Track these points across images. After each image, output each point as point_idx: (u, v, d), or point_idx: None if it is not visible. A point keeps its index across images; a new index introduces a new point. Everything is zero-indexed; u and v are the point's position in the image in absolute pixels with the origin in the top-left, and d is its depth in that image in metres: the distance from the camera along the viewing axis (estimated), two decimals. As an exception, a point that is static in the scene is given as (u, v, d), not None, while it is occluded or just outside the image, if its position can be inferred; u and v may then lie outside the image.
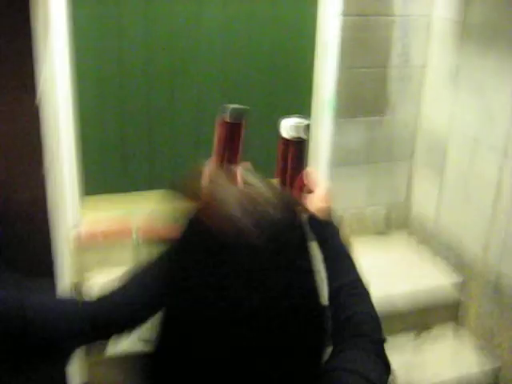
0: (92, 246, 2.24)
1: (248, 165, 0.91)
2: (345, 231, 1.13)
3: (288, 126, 1.18)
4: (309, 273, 0.72)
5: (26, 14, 0.99)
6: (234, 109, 1.14)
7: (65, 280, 1.96)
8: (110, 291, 0.95)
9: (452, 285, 2.34)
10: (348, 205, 2.51)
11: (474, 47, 2.15)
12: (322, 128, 2.45)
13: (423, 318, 2.33)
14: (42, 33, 1.31)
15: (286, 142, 1.18)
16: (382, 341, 0.91)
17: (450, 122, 2.32)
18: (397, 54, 2.37)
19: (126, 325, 0.95)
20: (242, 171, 0.74)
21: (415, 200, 2.62)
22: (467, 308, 2.32)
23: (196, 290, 0.65)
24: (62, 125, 2.08)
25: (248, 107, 1.15)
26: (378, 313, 0.96)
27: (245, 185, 0.71)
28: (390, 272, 2.35)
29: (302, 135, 1.17)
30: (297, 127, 1.17)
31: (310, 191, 1.20)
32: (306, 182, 1.21)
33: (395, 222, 2.66)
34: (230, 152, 1.16)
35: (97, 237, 2.25)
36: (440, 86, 2.37)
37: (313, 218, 1.13)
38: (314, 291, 0.71)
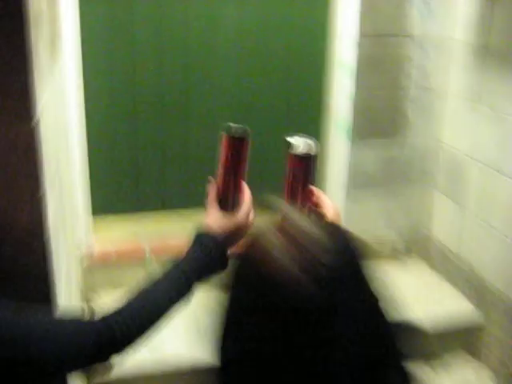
0: (103, 266, 2.21)
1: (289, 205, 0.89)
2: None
3: (297, 143, 1.17)
4: (368, 303, 0.70)
5: (21, 32, 0.97)
6: (237, 127, 1.13)
7: (73, 301, 1.94)
8: (116, 308, 0.94)
9: (469, 313, 2.26)
10: (364, 229, 2.43)
11: (496, 71, 2.09)
12: (337, 150, 2.40)
13: (438, 344, 2.24)
14: (48, 48, 1.31)
15: (296, 158, 1.17)
16: None
17: (471, 147, 2.25)
18: (415, 76, 2.32)
19: (130, 343, 0.94)
20: (289, 212, 0.74)
21: (434, 225, 2.54)
22: (483, 337, 2.23)
23: (251, 338, 0.67)
24: (73, 144, 2.07)
25: (249, 128, 1.13)
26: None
27: (294, 228, 0.70)
28: (404, 299, 2.27)
29: (312, 151, 1.16)
30: (307, 144, 1.17)
31: (319, 210, 1.19)
32: (315, 200, 1.19)
33: (413, 247, 2.58)
34: (235, 169, 1.15)
35: (108, 257, 2.23)
36: (460, 110, 2.31)
37: None
38: (376, 320, 0.70)
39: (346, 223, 1.22)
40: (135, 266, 2.19)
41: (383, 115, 2.34)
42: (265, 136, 2.34)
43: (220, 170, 1.15)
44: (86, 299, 2.18)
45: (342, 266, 0.68)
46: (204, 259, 1.06)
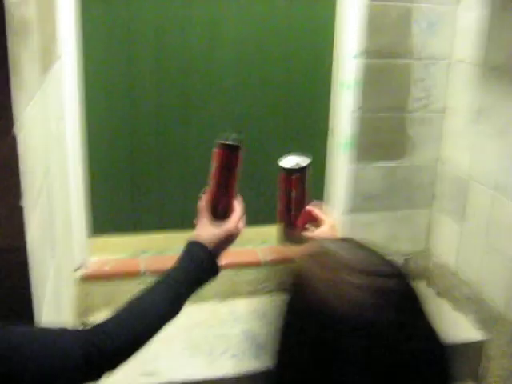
0: (100, 285, 2.18)
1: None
2: None
3: (288, 160, 1.21)
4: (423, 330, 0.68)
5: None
6: (231, 136, 1.14)
7: (64, 318, 1.90)
8: (104, 320, 0.93)
9: (472, 340, 2.19)
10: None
11: (497, 90, 2.07)
12: (338, 173, 2.37)
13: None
14: (39, 57, 1.30)
15: (288, 173, 1.19)
16: None
17: (472, 167, 2.22)
18: (415, 97, 2.31)
19: (119, 354, 0.92)
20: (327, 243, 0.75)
21: (435, 249, 2.50)
22: (483, 356, 2.16)
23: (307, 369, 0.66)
24: (70, 160, 2.06)
25: (242, 138, 1.14)
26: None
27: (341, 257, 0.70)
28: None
29: (304, 163, 1.19)
30: (298, 158, 1.21)
31: (317, 224, 1.20)
32: (314, 214, 1.21)
33: (414, 271, 2.53)
34: (228, 179, 1.15)
35: (105, 276, 2.20)
36: (461, 130, 2.28)
37: None
38: (435, 343, 0.68)
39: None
40: (132, 286, 2.15)
41: (385, 137, 2.32)
42: (265, 148, 2.33)
43: (212, 180, 1.16)
44: (82, 318, 2.15)
45: (405, 290, 0.68)
46: (194, 269, 1.05)
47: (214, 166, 1.15)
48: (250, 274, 2.35)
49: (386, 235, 2.45)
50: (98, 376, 0.90)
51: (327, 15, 2.30)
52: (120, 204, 2.31)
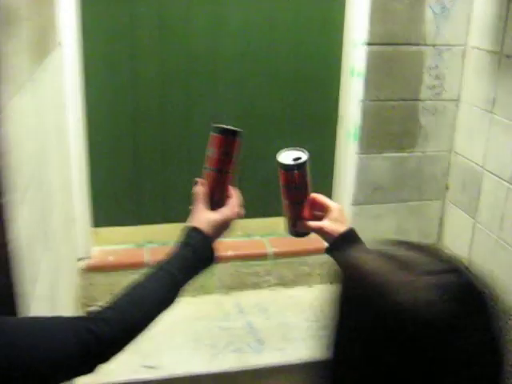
0: (103, 277, 2.17)
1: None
2: None
3: (285, 155, 1.19)
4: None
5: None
6: (228, 126, 1.12)
7: (62, 312, 1.89)
8: (101, 308, 0.91)
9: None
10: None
11: (512, 79, 1.99)
12: (346, 163, 2.32)
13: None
14: (30, 47, 1.26)
15: (288, 169, 1.18)
16: None
17: (485, 159, 2.14)
18: (428, 85, 2.23)
19: (116, 342, 0.90)
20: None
21: (447, 242, 2.44)
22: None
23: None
24: (72, 152, 2.03)
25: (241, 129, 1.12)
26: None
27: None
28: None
29: (303, 158, 1.17)
30: (294, 152, 1.19)
31: (324, 211, 1.20)
32: (318, 201, 1.20)
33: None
34: (225, 166, 1.13)
35: (109, 268, 2.18)
36: (475, 120, 2.20)
37: (343, 239, 1.16)
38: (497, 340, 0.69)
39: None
40: (136, 277, 2.12)
41: (395, 127, 2.25)
42: (272, 138, 2.28)
43: (209, 165, 1.13)
44: (85, 308, 2.14)
45: (465, 283, 0.68)
46: (191, 256, 1.04)
47: (211, 150, 1.12)
48: (256, 266, 2.31)
49: (396, 227, 2.39)
50: (95, 365, 0.88)
51: (336, 1, 2.23)
52: (124, 195, 2.28)
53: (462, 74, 2.24)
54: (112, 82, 2.15)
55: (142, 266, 2.15)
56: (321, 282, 2.38)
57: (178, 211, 2.26)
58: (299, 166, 1.20)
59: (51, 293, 1.47)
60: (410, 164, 2.32)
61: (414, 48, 2.17)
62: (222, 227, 1.11)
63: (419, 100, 2.24)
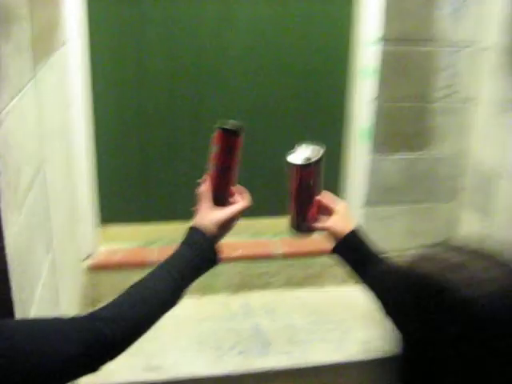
0: (110, 275, 2.15)
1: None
2: None
3: (298, 152, 1.18)
4: None
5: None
6: (231, 122, 1.12)
7: (76, 311, 1.88)
8: (103, 307, 0.91)
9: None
10: (384, 248, 2.31)
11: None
12: (356, 164, 2.28)
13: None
14: (30, 46, 1.24)
15: (300, 168, 1.16)
16: None
17: (498, 160, 2.09)
18: (442, 85, 2.18)
19: (119, 342, 0.88)
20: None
21: (460, 243, 2.39)
22: None
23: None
24: (78, 151, 2.01)
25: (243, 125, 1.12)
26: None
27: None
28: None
29: (316, 157, 1.16)
30: (308, 149, 1.18)
31: (328, 214, 1.19)
32: (323, 204, 1.19)
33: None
34: (229, 164, 1.13)
35: (116, 266, 2.16)
36: (487, 121, 2.15)
37: (352, 237, 1.17)
38: None
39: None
40: (142, 276, 2.12)
41: (407, 127, 2.20)
42: (279, 137, 2.25)
43: (213, 165, 1.13)
44: (90, 308, 2.13)
45: None
46: (195, 257, 1.03)
47: (214, 150, 1.12)
48: (264, 266, 2.28)
49: (406, 230, 2.35)
50: (99, 365, 0.86)
51: (346, -1, 2.18)
52: (131, 193, 2.26)
53: (473, 75, 2.18)
54: (119, 79, 2.13)
55: (148, 264, 2.09)
56: (331, 284, 2.35)
57: (186, 209, 2.23)
58: (312, 164, 1.18)
59: (53, 295, 1.46)
60: (422, 165, 2.27)
61: (425, 48, 2.11)
62: (226, 226, 1.10)
63: (433, 100, 2.19)
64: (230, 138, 1.11)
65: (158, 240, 2.28)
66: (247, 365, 1.88)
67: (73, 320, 0.87)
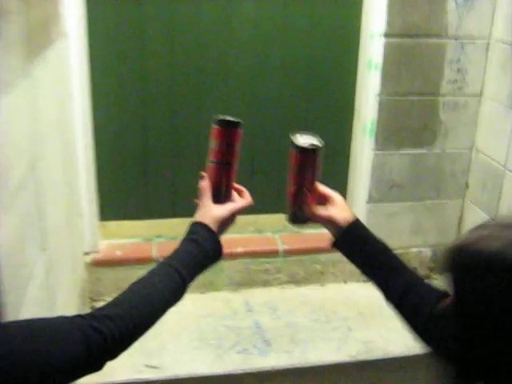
0: (111, 271, 2.13)
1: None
2: None
3: (301, 138, 1.17)
4: None
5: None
6: (229, 117, 1.12)
7: (77, 307, 1.87)
8: (106, 306, 0.89)
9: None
10: (390, 241, 2.28)
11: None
12: (362, 159, 2.24)
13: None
14: (23, 41, 1.21)
15: (305, 152, 1.15)
16: None
17: (509, 156, 2.04)
18: (449, 80, 2.13)
19: (122, 340, 0.87)
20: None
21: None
22: None
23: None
24: (80, 148, 1.99)
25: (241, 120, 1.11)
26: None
27: None
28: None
29: (319, 143, 1.16)
30: (310, 139, 1.17)
31: (326, 202, 1.17)
32: (321, 192, 1.18)
33: (442, 260, 2.39)
34: (229, 159, 1.12)
35: (115, 262, 2.15)
36: (498, 116, 2.10)
37: (354, 226, 1.14)
38: None
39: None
40: (144, 271, 2.09)
41: (413, 123, 2.16)
42: (285, 132, 2.18)
43: (214, 159, 1.12)
44: (92, 303, 2.12)
45: None
46: (199, 252, 1.03)
47: (214, 143, 1.12)
48: (266, 263, 2.26)
49: (413, 226, 2.31)
50: (100, 365, 0.85)
51: (353, -10, 2.13)
52: (132, 188, 2.24)
53: (485, 68, 2.14)
54: (119, 75, 2.10)
55: (149, 260, 2.11)
56: (334, 281, 2.32)
57: (187, 205, 2.21)
58: (317, 150, 1.17)
59: (48, 294, 1.44)
60: (428, 161, 2.23)
61: (435, 40, 2.07)
62: (226, 224, 1.10)
63: (439, 95, 2.14)
64: (228, 132, 1.11)
65: (158, 236, 2.26)
66: (247, 364, 1.86)
67: (74, 320, 0.85)
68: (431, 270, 2.38)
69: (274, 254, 2.25)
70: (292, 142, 1.16)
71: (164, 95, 2.15)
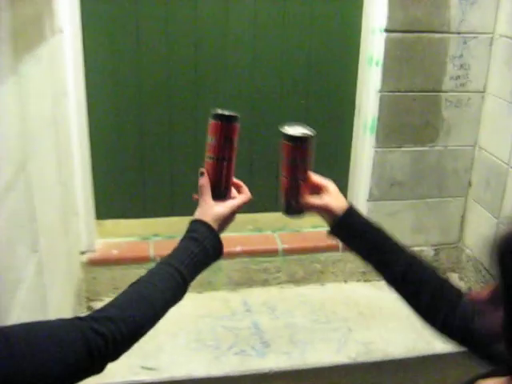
0: (108, 270, 2.11)
1: None
2: None
3: (291, 129, 1.15)
4: None
5: None
6: (227, 111, 1.09)
7: (73, 307, 1.84)
8: (106, 305, 0.87)
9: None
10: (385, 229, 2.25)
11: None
12: (363, 156, 2.20)
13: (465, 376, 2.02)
14: (10, 38, 1.17)
15: (298, 141, 1.14)
16: None
17: (510, 153, 2.01)
18: (452, 76, 2.09)
19: (124, 341, 0.85)
20: None
21: (468, 241, 2.31)
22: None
23: None
24: (75, 146, 1.96)
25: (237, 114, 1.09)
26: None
27: None
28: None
29: (309, 132, 1.14)
30: (302, 127, 1.15)
31: (319, 192, 1.16)
32: (314, 181, 1.16)
33: (445, 264, 2.35)
34: (227, 155, 1.10)
35: (112, 261, 2.12)
36: (501, 113, 2.06)
37: (350, 212, 1.12)
38: None
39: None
40: (141, 270, 2.06)
41: (415, 120, 2.12)
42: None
43: (212, 154, 1.10)
44: (89, 303, 2.09)
45: None
46: (198, 251, 1.01)
47: (211, 138, 1.09)
48: (265, 262, 2.22)
49: (414, 224, 2.28)
50: (100, 367, 0.83)
51: (354, -16, 2.09)
52: (129, 187, 2.20)
53: (488, 64, 2.09)
54: (114, 71, 2.06)
55: (146, 259, 2.09)
56: (333, 281, 2.28)
57: (184, 204, 2.19)
58: (307, 139, 1.14)
59: (39, 295, 1.41)
60: (430, 159, 2.19)
61: (437, 36, 2.02)
62: (229, 220, 1.09)
63: (442, 91, 2.10)
64: (226, 126, 1.08)
65: (155, 235, 2.23)
66: (245, 365, 1.83)
67: (74, 322, 0.82)
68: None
69: (273, 253, 2.22)
70: (282, 133, 1.14)
71: (160, 91, 2.11)
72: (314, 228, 2.27)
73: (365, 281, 2.27)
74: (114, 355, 0.84)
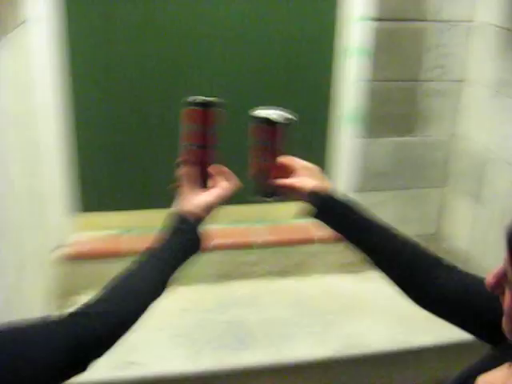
0: (80, 266, 2.05)
1: None
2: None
3: (271, 112, 1.17)
4: None
5: None
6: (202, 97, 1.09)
7: (45, 305, 1.79)
8: (88, 302, 0.86)
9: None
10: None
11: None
12: (343, 148, 2.18)
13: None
14: None
15: (275, 124, 1.15)
16: None
17: (491, 144, 2.00)
18: (431, 65, 2.07)
19: (107, 339, 0.86)
20: None
21: (447, 232, 2.31)
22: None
23: None
24: (48, 139, 1.90)
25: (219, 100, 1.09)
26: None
27: None
28: (413, 316, 2.05)
29: (291, 116, 1.16)
30: (282, 110, 1.17)
31: (294, 173, 1.14)
32: (285, 163, 1.16)
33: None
34: (205, 141, 1.10)
35: (86, 256, 2.07)
36: (481, 102, 2.05)
37: (325, 195, 1.10)
38: None
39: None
40: (115, 265, 2.01)
41: (394, 110, 2.10)
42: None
43: (192, 143, 1.10)
44: (62, 300, 2.03)
45: None
46: (181, 242, 1.00)
47: (191, 126, 1.08)
48: (246, 255, 2.19)
49: (396, 216, 2.26)
50: (85, 365, 0.82)
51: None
52: (103, 179, 2.15)
53: (467, 53, 2.08)
54: (88, 60, 2.00)
55: (123, 253, 2.05)
56: (316, 273, 2.26)
57: (160, 196, 2.14)
58: (276, 121, 1.16)
59: (10, 294, 1.36)
60: (410, 149, 2.18)
61: (417, 24, 2.00)
62: (211, 209, 1.07)
63: (422, 80, 2.08)
64: (205, 112, 1.07)
65: (131, 228, 2.18)
66: (226, 361, 1.79)
67: (57, 320, 0.81)
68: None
69: (254, 245, 2.19)
70: (250, 116, 1.16)
71: (135, 85, 2.06)
72: (294, 220, 2.24)
73: (346, 273, 2.25)
74: (99, 352, 0.84)
